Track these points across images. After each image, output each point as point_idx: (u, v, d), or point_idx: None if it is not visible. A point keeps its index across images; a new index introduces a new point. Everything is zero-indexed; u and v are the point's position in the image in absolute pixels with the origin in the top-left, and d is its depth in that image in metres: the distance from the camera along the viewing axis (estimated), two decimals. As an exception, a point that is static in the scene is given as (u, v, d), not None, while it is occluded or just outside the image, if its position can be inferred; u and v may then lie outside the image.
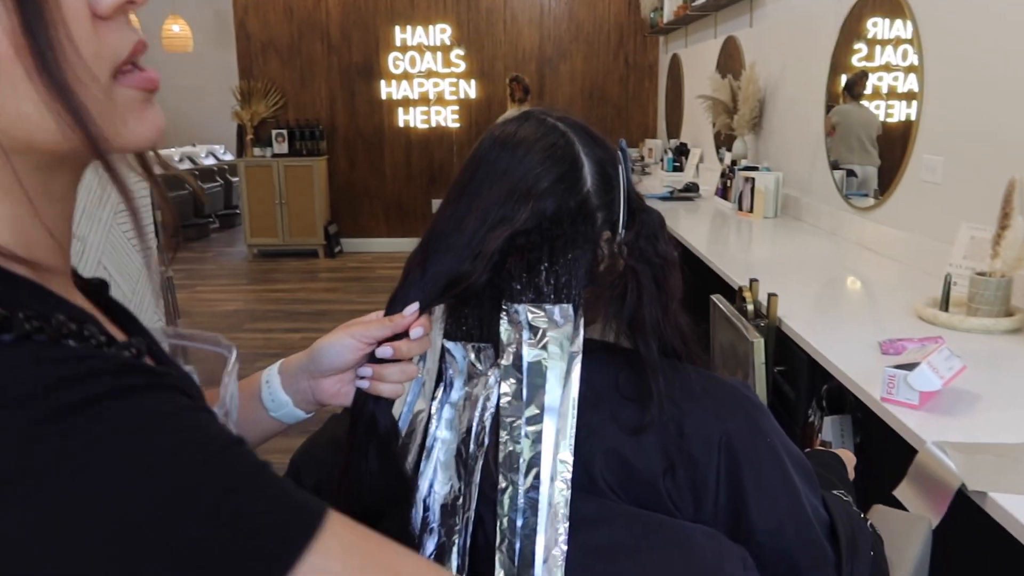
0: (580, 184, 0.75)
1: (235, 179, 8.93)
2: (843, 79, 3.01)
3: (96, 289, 0.59)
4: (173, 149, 9.18)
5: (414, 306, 0.73)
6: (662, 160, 5.73)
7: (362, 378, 0.75)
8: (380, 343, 0.74)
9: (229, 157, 9.85)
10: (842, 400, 1.77)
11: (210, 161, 9.63)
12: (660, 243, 0.78)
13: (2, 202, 0.46)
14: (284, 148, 7.07)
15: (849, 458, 1.13)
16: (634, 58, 7.10)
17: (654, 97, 7.15)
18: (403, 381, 0.75)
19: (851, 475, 1.10)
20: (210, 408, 0.47)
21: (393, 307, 0.74)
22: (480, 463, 0.72)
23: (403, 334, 0.74)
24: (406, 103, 7.18)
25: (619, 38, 7.06)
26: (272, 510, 0.40)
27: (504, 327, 0.73)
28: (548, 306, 0.73)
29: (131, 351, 0.45)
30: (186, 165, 8.79)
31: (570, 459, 0.69)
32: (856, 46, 2.91)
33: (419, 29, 7.05)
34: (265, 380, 0.81)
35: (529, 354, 0.72)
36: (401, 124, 7.22)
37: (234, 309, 5.55)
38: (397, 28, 7.04)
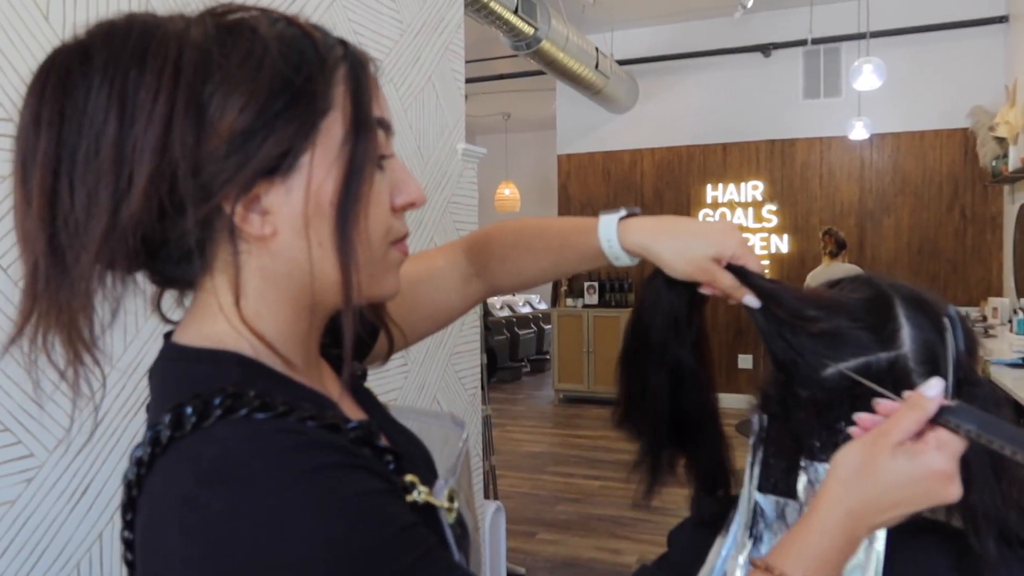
0: (893, 342, 0.71)
1: (547, 327, 9.51)
2: None
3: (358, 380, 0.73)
4: (496, 298, 10.09)
5: (754, 302, 0.75)
6: (1010, 322, 5.04)
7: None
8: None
9: (544, 306, 10.56)
10: None
11: (526, 309, 10.39)
12: None
13: (275, 321, 0.57)
14: (594, 299, 7.43)
15: None
16: (972, 210, 6.48)
17: (998, 252, 6.40)
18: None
19: None
20: (402, 487, 0.56)
21: (750, 275, 0.76)
22: None
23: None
24: (715, 257, 7.20)
25: (953, 189, 6.52)
26: None
27: (802, 485, 0.70)
28: None
29: (359, 431, 0.54)
30: (505, 312, 9.56)
31: None
32: None
33: (731, 186, 7.16)
34: (605, 239, 0.80)
35: None
36: (709, 278, 7.22)
37: (539, 451, 5.76)
38: (708, 186, 7.21)
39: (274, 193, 0.54)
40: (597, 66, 6.21)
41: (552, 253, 0.85)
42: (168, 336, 0.60)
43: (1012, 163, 5.19)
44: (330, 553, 0.46)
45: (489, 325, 8.03)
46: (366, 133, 0.56)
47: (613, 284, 7.42)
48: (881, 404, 0.64)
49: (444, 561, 0.53)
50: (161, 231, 0.52)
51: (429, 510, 0.59)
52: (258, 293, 0.56)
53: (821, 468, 0.70)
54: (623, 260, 0.80)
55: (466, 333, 2.63)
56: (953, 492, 0.59)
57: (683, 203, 7.30)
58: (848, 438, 0.68)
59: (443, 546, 0.59)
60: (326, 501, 0.47)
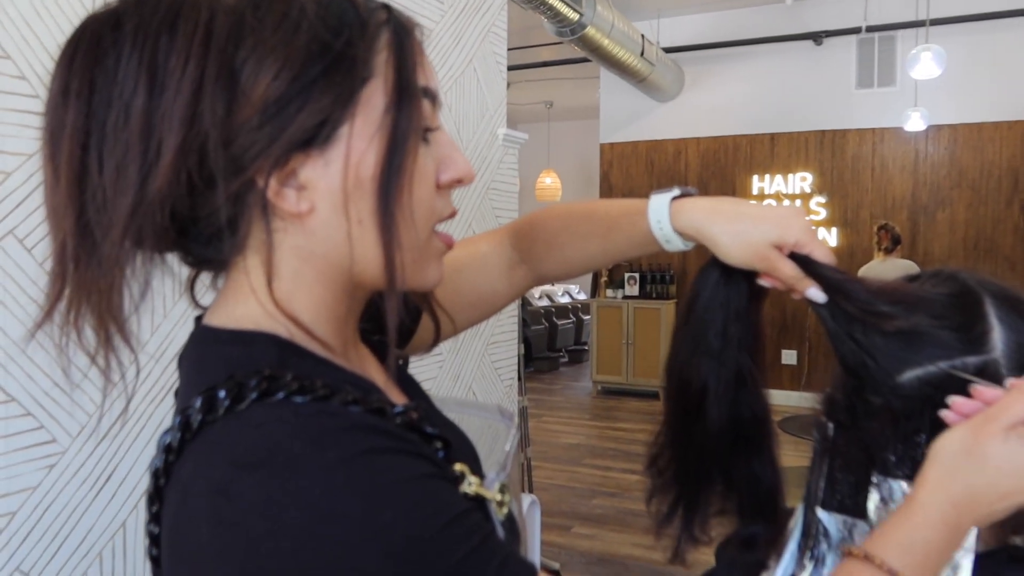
0: (982, 346, 0.63)
1: (587, 317, 9.43)
2: None
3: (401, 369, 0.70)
4: (534, 288, 10.04)
5: (819, 295, 0.67)
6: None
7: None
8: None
9: (583, 296, 10.49)
10: None
11: (565, 299, 10.33)
12: None
13: (311, 303, 0.54)
14: (635, 291, 7.33)
15: None
16: (1032, 205, 6.23)
17: (1059, 249, 6.15)
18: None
19: None
20: (453, 475, 0.52)
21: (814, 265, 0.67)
22: None
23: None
24: (760, 250, 7.07)
25: (1013, 183, 6.28)
26: (496, 572, 0.46)
27: (873, 504, 0.62)
28: None
29: (407, 415, 0.51)
30: (543, 302, 9.51)
31: None
32: None
33: (778, 178, 6.99)
34: (656, 220, 0.72)
35: None
36: (753, 271, 7.09)
37: (576, 443, 5.71)
38: (755, 177, 7.06)
39: (311, 167, 0.50)
40: (643, 53, 6.10)
41: (599, 237, 0.78)
42: (199, 319, 0.57)
43: (1078, 157, 4.96)
44: (380, 544, 0.43)
45: (526, 316, 7.99)
46: (410, 103, 0.52)
47: (655, 275, 7.31)
48: (979, 391, 0.58)
49: (502, 550, 0.49)
50: (191, 207, 0.50)
51: (479, 503, 0.55)
52: (293, 274, 0.53)
53: (896, 486, 0.62)
54: (675, 244, 0.72)
55: (503, 323, 2.58)
56: None
57: (728, 193, 7.10)
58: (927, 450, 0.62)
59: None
60: (374, 487, 0.44)
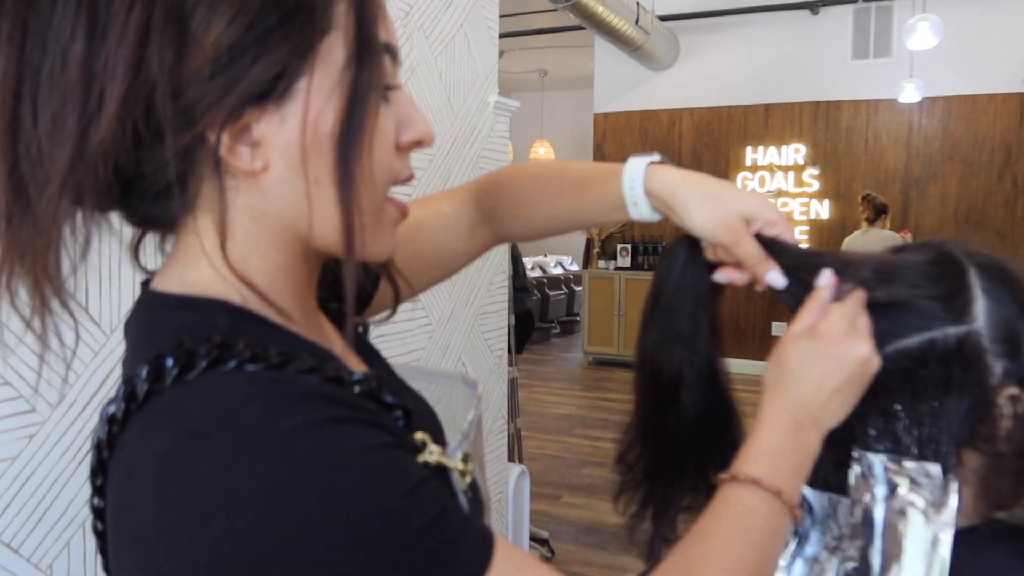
0: (964, 316, 0.62)
1: (579, 288, 9.43)
2: None
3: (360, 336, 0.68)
4: (526, 259, 10.03)
5: (780, 280, 0.66)
6: (1061, 296, 4.85)
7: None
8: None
9: (575, 267, 10.47)
10: None
11: (558, 270, 10.31)
12: None
13: (266, 267, 0.52)
14: (627, 262, 7.33)
15: None
16: (1025, 179, 6.23)
17: (1050, 223, 6.17)
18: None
19: None
20: (413, 444, 0.51)
21: (781, 246, 0.66)
22: None
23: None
24: (752, 222, 7.06)
25: (1005, 156, 6.27)
26: (454, 541, 0.45)
27: (854, 476, 0.62)
28: (909, 462, 0.60)
29: (365, 383, 0.49)
30: (536, 273, 9.50)
31: None
32: None
33: (771, 149, 6.96)
34: (629, 179, 0.71)
35: (882, 514, 0.60)
36: (745, 243, 7.10)
37: (566, 413, 5.74)
38: (749, 148, 7.03)
39: (266, 122, 0.48)
40: (637, 21, 6.02)
41: (569, 198, 0.76)
42: (147, 284, 0.54)
43: (1072, 130, 4.95)
44: (339, 514, 0.41)
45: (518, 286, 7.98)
46: (371, 58, 0.50)
47: (647, 247, 7.30)
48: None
49: (462, 519, 0.48)
50: (136, 162, 0.47)
51: (441, 472, 0.53)
52: (247, 235, 0.50)
53: (876, 460, 0.61)
54: (642, 208, 0.70)
55: (493, 293, 2.57)
56: (861, 350, 0.60)
57: (722, 165, 7.12)
58: (907, 424, 0.61)
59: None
60: (332, 456, 0.42)
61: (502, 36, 2.59)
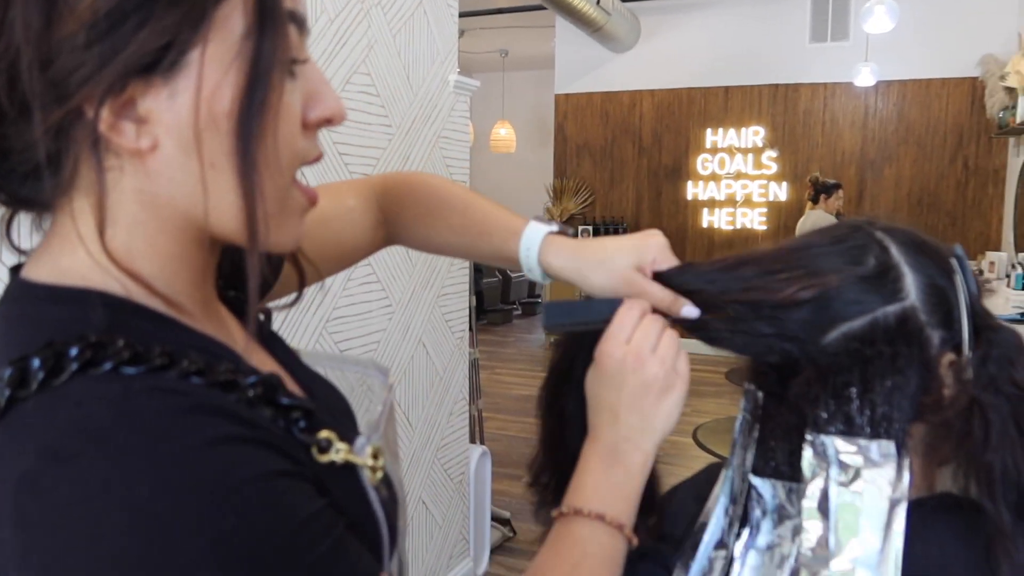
0: (897, 293, 0.63)
1: (540, 270, 9.44)
2: None
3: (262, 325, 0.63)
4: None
5: (692, 311, 0.67)
6: (1008, 276, 4.99)
7: None
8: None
9: (536, 249, 10.48)
10: None
11: (519, 252, 10.31)
12: (1019, 369, 0.62)
13: (155, 255, 0.47)
14: (588, 243, 7.35)
15: None
16: (975, 162, 6.37)
17: (999, 205, 6.32)
18: None
19: None
20: (317, 445, 0.48)
21: (685, 275, 0.68)
22: None
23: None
24: (712, 204, 7.13)
25: (957, 140, 6.40)
26: None
27: (808, 460, 0.61)
28: (863, 441, 0.60)
29: (262, 386, 0.46)
30: (498, 255, 9.48)
31: None
32: None
33: (731, 131, 7.02)
34: (526, 249, 0.71)
35: (838, 495, 0.60)
36: (705, 225, 7.16)
37: (528, 394, 5.75)
38: (709, 131, 7.07)
39: (153, 96, 0.42)
40: (599, 2, 6.00)
41: (469, 236, 0.75)
42: (16, 270, 0.49)
43: (1020, 114, 5.07)
44: (216, 554, 0.37)
45: (480, 267, 7.96)
46: (274, 27, 0.44)
47: (608, 228, 7.32)
48: None
49: (353, 555, 0.45)
50: (2, 137, 0.43)
51: (350, 470, 0.51)
52: (133, 221, 0.45)
53: (829, 441, 0.61)
54: (535, 274, 0.71)
55: (454, 274, 2.55)
56: (650, 368, 0.62)
57: (682, 147, 7.17)
58: (862, 403, 0.62)
59: (369, 514, 0.52)
60: (213, 488, 0.38)
61: (463, 15, 2.55)
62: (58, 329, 0.42)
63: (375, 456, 0.53)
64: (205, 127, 0.43)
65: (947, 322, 0.64)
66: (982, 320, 0.65)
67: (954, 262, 0.66)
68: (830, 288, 0.63)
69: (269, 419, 0.46)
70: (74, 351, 0.40)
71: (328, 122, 0.51)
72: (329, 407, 0.57)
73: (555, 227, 0.71)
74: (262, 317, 0.64)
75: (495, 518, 3.11)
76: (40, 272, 0.46)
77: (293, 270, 0.63)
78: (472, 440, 2.93)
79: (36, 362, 0.40)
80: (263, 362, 0.56)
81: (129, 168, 0.44)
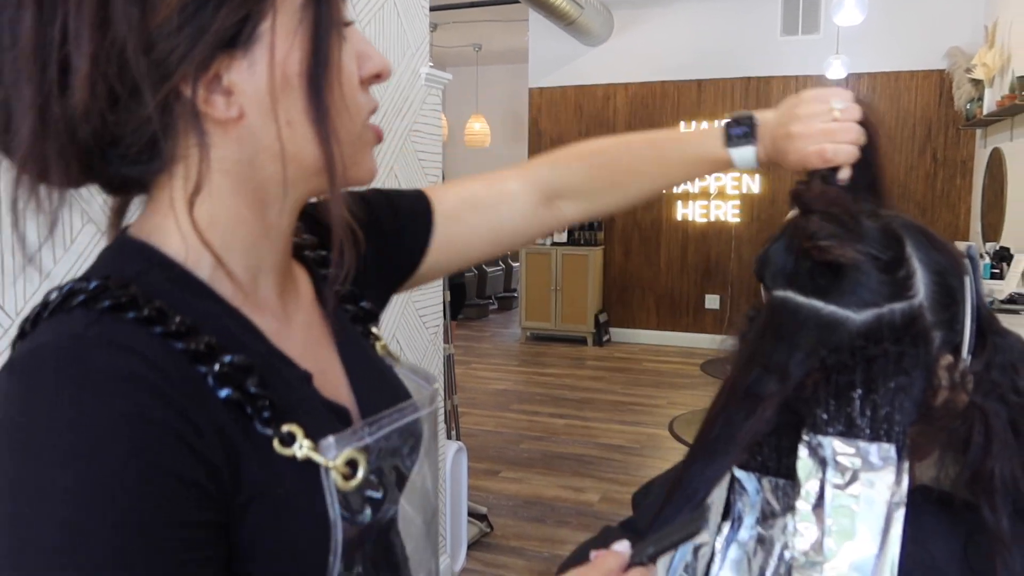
0: (907, 290, 0.61)
1: (515, 264, 9.43)
2: None
3: None
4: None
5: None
6: (976, 266, 5.07)
7: None
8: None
9: (512, 244, 10.46)
10: None
11: (495, 247, 10.29)
12: (1022, 378, 0.61)
13: (228, 220, 0.53)
14: (563, 237, 7.34)
15: None
16: (943, 153, 6.46)
17: (967, 196, 6.41)
18: None
19: None
20: (279, 438, 0.50)
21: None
22: None
23: None
24: (685, 197, 7.15)
25: (926, 132, 6.48)
26: None
27: (803, 460, 0.60)
28: (863, 443, 0.59)
29: (233, 368, 0.48)
30: (474, 249, 9.45)
31: None
32: None
33: (704, 124, 7.05)
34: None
35: (834, 498, 0.58)
36: (679, 217, 7.19)
37: (503, 388, 5.74)
38: (682, 124, 7.09)
39: (236, 69, 0.49)
40: (571, -5, 5.98)
41: (664, 158, 0.85)
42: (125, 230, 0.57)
43: (987, 106, 5.14)
44: (77, 489, 0.41)
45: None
46: None
47: (582, 224, 7.33)
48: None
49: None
50: (114, 124, 0.47)
51: (312, 468, 0.51)
52: (214, 188, 0.51)
53: (827, 442, 0.60)
54: (747, 160, 0.84)
55: (428, 269, 2.52)
56: None
57: (655, 141, 7.18)
58: (864, 404, 0.60)
59: (323, 515, 0.51)
60: (102, 454, 0.42)
61: (436, 9, 2.53)
62: (100, 271, 0.49)
63: (351, 465, 0.52)
64: (281, 90, 0.50)
65: (949, 323, 0.62)
66: (987, 324, 0.64)
67: (967, 263, 0.64)
68: (856, 265, 0.61)
69: (225, 403, 0.48)
70: (92, 284, 0.47)
71: (378, 77, 0.57)
72: (373, 404, 0.60)
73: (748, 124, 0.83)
74: (359, 307, 0.68)
75: (472, 514, 3.09)
76: (133, 230, 0.54)
77: (442, 259, 0.75)
78: (448, 436, 2.91)
79: (54, 293, 0.48)
80: (318, 340, 0.61)
81: (217, 139, 0.50)
